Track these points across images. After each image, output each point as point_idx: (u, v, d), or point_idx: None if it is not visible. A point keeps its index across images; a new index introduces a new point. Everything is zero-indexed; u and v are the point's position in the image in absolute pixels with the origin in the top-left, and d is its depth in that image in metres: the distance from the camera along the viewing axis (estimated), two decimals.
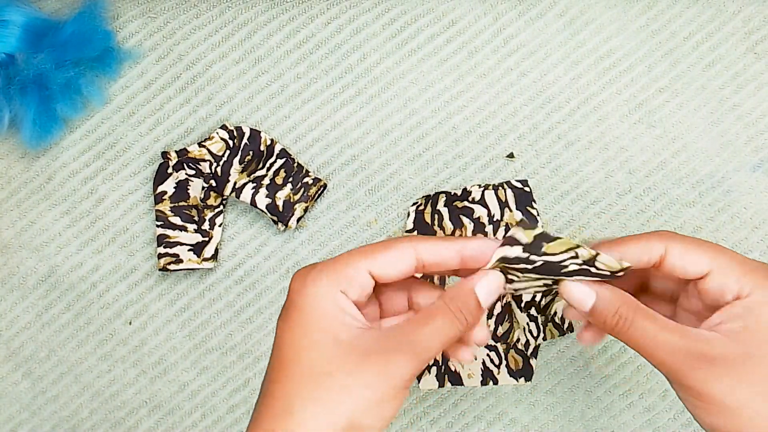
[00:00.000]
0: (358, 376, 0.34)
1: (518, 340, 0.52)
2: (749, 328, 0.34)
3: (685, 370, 0.34)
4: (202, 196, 0.53)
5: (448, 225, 0.52)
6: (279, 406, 0.34)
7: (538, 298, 0.51)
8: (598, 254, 0.35)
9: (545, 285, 0.38)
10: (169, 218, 0.53)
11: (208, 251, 0.53)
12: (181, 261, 0.52)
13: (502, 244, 0.35)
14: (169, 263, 0.52)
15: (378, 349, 0.35)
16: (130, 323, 0.54)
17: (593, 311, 0.37)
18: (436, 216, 0.53)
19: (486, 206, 0.53)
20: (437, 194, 0.53)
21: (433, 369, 0.52)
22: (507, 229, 0.53)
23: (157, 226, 0.53)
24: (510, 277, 0.37)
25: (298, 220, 0.53)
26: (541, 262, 0.36)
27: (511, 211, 0.53)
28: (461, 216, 0.53)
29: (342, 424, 0.34)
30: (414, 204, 0.53)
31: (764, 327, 0.34)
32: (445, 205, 0.53)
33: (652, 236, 0.37)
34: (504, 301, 0.52)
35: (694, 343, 0.35)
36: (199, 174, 0.53)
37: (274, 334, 0.38)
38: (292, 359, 0.35)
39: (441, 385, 0.52)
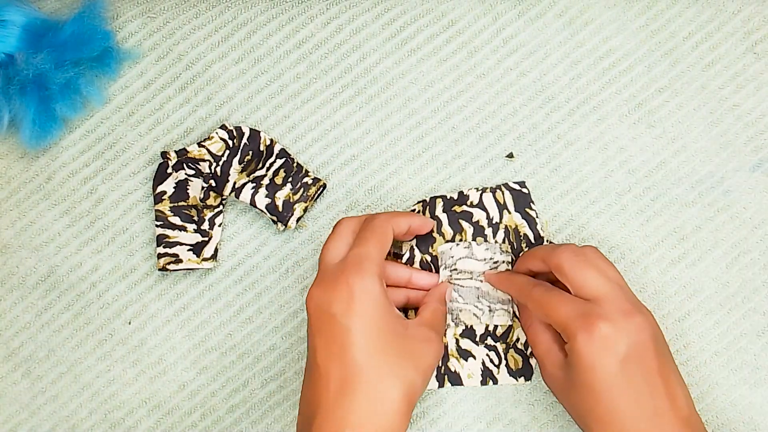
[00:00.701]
0: (409, 358, 0.45)
1: (518, 339, 0.52)
2: (580, 370, 0.44)
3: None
4: (202, 196, 0.53)
5: (448, 230, 0.52)
6: (346, 379, 0.43)
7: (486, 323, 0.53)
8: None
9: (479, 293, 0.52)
10: (169, 218, 0.53)
11: (208, 251, 0.53)
12: (181, 261, 0.52)
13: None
14: (168, 263, 0.52)
15: (419, 338, 0.46)
16: (130, 323, 0.54)
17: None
18: (435, 222, 0.53)
19: (485, 209, 0.53)
20: (434, 199, 0.53)
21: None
22: (506, 232, 0.53)
23: (157, 226, 0.53)
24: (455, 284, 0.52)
25: (298, 220, 0.53)
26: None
27: (509, 213, 0.53)
28: (460, 220, 0.52)
29: (405, 388, 0.44)
30: (411, 210, 0.53)
31: (589, 373, 0.44)
32: (443, 211, 0.53)
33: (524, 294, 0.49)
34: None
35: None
36: (198, 174, 0.53)
37: (346, 328, 0.44)
38: (354, 344, 0.43)
39: (441, 385, 0.52)
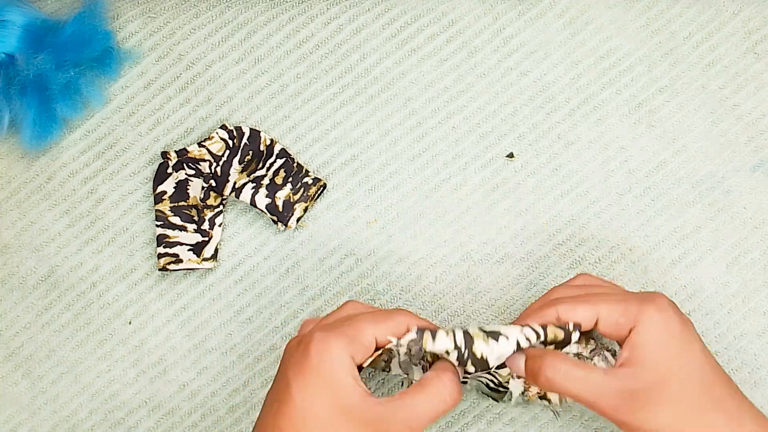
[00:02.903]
0: None
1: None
2: (648, 352, 0.41)
3: (618, 407, 0.40)
4: (202, 196, 0.53)
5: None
6: None
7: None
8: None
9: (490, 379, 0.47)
10: (169, 218, 0.53)
11: (208, 251, 0.53)
12: (181, 261, 0.52)
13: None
14: (168, 263, 0.52)
15: (378, 418, 0.40)
16: (130, 323, 0.54)
17: (526, 367, 0.43)
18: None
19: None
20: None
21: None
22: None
23: (157, 226, 0.53)
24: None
25: (298, 219, 0.53)
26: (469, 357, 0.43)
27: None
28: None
29: None
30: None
31: (658, 347, 0.41)
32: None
33: (545, 306, 0.44)
34: None
35: (618, 381, 0.41)
36: (198, 174, 0.53)
37: (287, 384, 0.41)
38: (303, 415, 0.40)
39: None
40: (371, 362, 0.43)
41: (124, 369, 0.54)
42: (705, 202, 0.53)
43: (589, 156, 0.54)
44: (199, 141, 0.53)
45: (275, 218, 0.53)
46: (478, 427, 0.52)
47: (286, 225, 0.53)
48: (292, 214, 0.53)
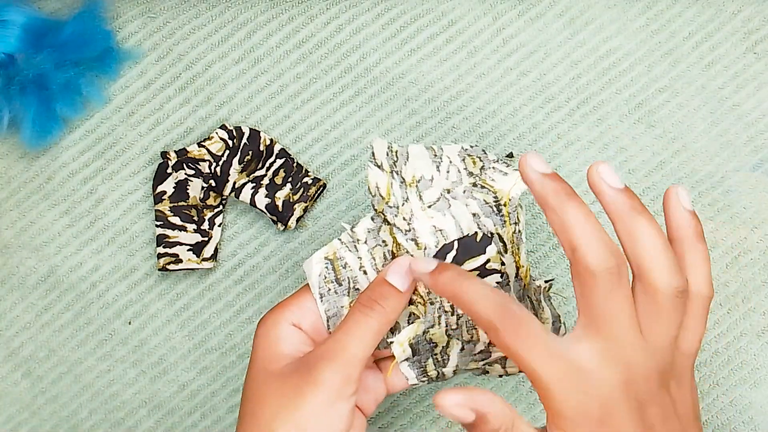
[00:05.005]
0: (283, 402, 0.35)
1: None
2: None
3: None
4: (202, 196, 0.53)
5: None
6: None
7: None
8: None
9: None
10: (169, 218, 0.53)
11: (208, 251, 0.53)
12: (181, 261, 0.52)
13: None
14: (168, 263, 0.52)
15: (298, 368, 0.36)
16: (130, 323, 0.54)
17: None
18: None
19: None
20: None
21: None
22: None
23: (157, 226, 0.53)
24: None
25: (298, 220, 0.53)
26: None
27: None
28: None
29: None
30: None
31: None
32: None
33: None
34: None
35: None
36: (198, 174, 0.53)
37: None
38: (242, 401, 0.38)
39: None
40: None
41: (125, 369, 0.54)
42: (705, 202, 0.53)
43: (589, 156, 0.54)
44: (199, 141, 0.53)
45: (275, 218, 0.53)
46: None
47: (286, 225, 0.53)
48: (292, 214, 0.53)
